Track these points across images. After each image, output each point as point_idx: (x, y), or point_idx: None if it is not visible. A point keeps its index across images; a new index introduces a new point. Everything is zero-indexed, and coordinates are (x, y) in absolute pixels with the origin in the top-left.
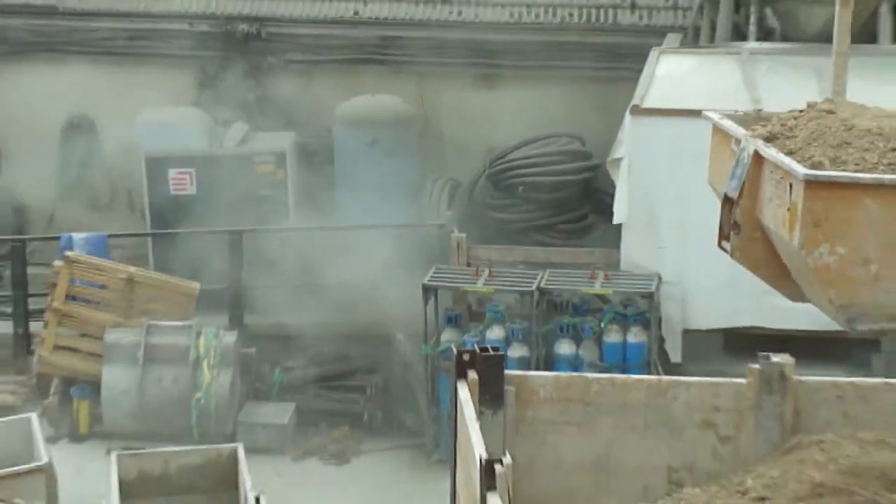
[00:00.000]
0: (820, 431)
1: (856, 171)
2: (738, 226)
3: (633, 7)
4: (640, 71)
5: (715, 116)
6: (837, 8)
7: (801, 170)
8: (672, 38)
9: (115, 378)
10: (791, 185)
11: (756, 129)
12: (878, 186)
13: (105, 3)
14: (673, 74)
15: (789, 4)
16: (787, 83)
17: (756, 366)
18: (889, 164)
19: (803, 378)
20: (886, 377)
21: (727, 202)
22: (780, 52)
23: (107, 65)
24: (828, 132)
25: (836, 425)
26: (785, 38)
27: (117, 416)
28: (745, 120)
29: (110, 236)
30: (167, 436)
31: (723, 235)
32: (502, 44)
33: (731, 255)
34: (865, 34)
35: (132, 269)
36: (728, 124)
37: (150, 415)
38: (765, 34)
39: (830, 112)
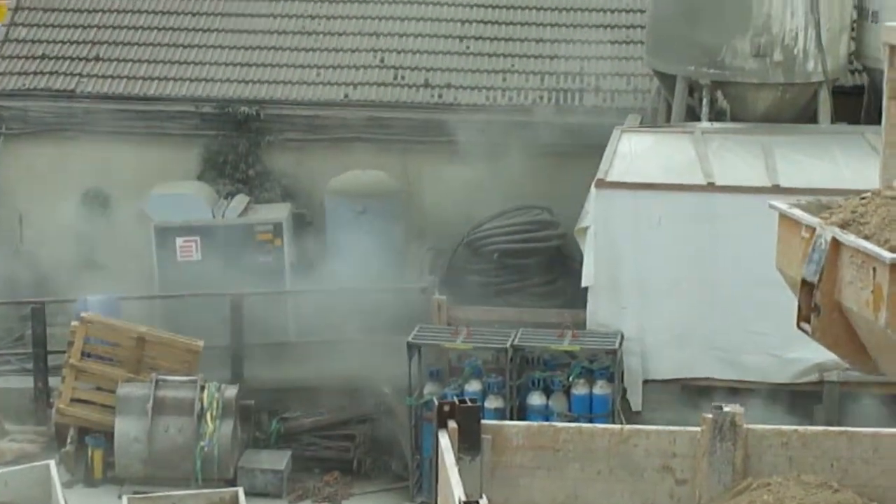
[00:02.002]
0: (768, 475)
1: None
2: (818, 308)
3: (596, 90)
4: (603, 147)
5: (783, 206)
6: (885, 102)
7: (886, 255)
8: (632, 118)
9: (127, 428)
10: (875, 269)
11: (826, 216)
12: None
13: (119, 87)
14: (633, 151)
15: (738, 88)
16: (736, 159)
17: (709, 415)
18: None
19: (752, 426)
20: (827, 425)
21: (805, 286)
22: (729, 131)
23: (120, 143)
24: None
25: (782, 469)
26: (734, 119)
27: (128, 462)
28: (808, 208)
29: (123, 299)
30: (174, 480)
31: (802, 317)
32: (479, 123)
33: (812, 335)
34: (807, 115)
35: (142, 328)
36: (798, 213)
37: (158, 461)
38: (716, 115)
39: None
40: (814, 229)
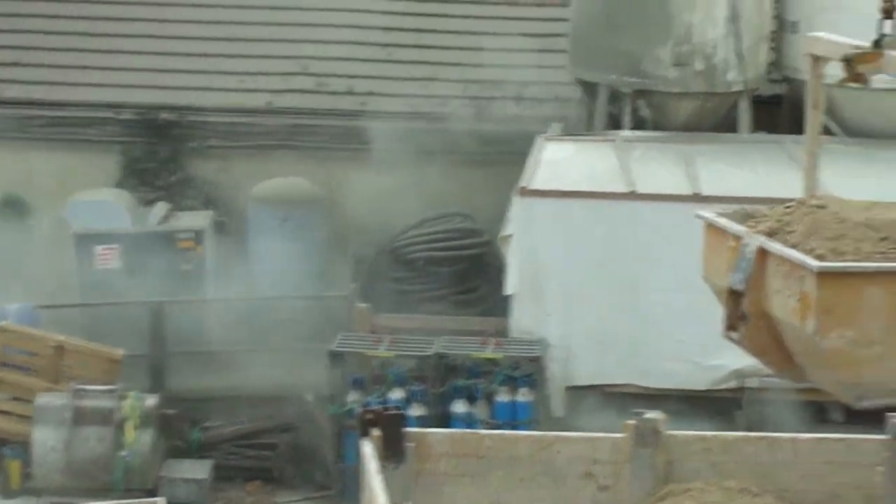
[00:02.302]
0: (689, 480)
1: (855, 261)
2: (746, 316)
3: (518, 99)
4: (525, 156)
5: (709, 215)
6: (808, 111)
7: (814, 263)
8: (555, 127)
9: (45, 438)
10: (802, 277)
11: (752, 225)
12: (880, 274)
13: (40, 92)
14: (556, 159)
15: (659, 97)
16: (658, 167)
17: (631, 421)
18: (882, 253)
19: (674, 432)
20: (748, 431)
21: (733, 295)
22: (651, 139)
23: (39, 149)
24: (823, 226)
25: (703, 474)
26: (656, 127)
27: (46, 473)
28: (733, 217)
29: (41, 307)
30: (93, 491)
31: (729, 326)
32: (402, 131)
33: (739, 344)
34: (727, 124)
35: (61, 337)
36: (724, 222)
37: (77, 472)
38: (638, 123)
39: (822, 207)
40: (740, 238)
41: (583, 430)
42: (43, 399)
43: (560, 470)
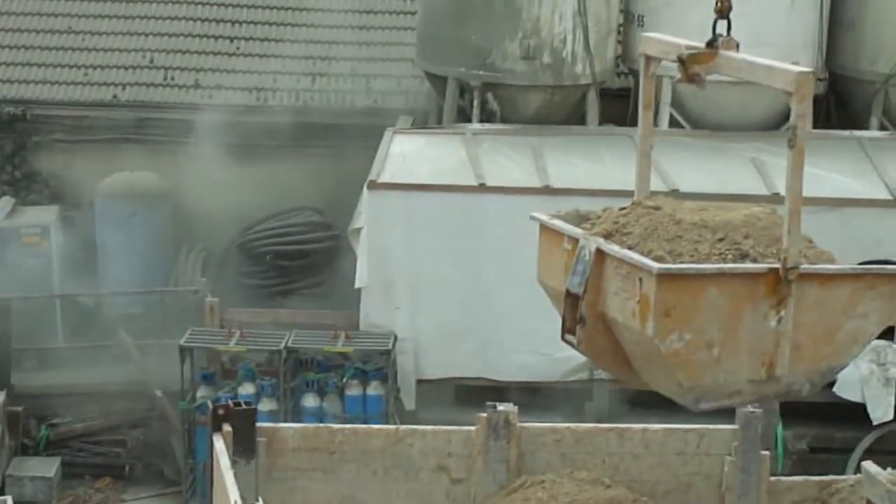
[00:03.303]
0: (542, 472)
1: (693, 262)
2: (583, 319)
3: (367, 92)
4: (375, 149)
5: (544, 217)
6: (641, 111)
7: (653, 264)
8: (404, 120)
9: None
10: (641, 279)
11: (588, 227)
12: (720, 275)
13: None
14: (405, 152)
15: (508, 90)
16: (506, 160)
17: (484, 414)
18: (720, 254)
19: (526, 424)
20: (598, 422)
21: (570, 298)
22: (500, 132)
23: None
24: (660, 227)
25: (555, 466)
26: (504, 120)
27: None
28: (568, 219)
29: None
30: None
31: (567, 329)
32: (252, 125)
33: (577, 347)
34: (576, 117)
35: None
36: (559, 224)
37: None
38: (487, 116)
39: (657, 208)
40: (577, 241)
41: (435, 424)
42: None
43: (413, 463)
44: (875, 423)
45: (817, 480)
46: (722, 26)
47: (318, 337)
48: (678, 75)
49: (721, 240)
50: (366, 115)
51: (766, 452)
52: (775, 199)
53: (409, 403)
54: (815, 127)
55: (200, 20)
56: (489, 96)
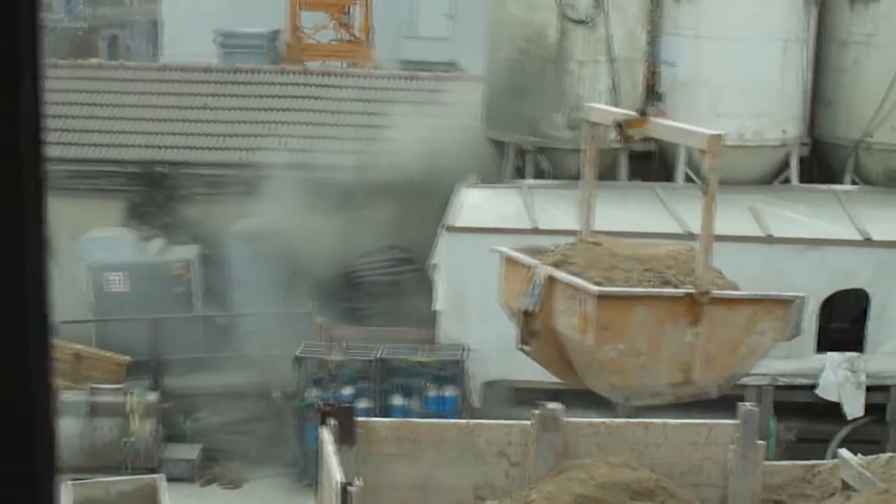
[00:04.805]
0: (582, 457)
1: (625, 287)
2: (536, 333)
3: (444, 154)
4: (449, 200)
5: (504, 249)
6: (584, 167)
7: (593, 288)
8: (473, 177)
9: (67, 427)
10: (584, 300)
11: (541, 258)
12: (647, 298)
13: (57, 151)
14: (474, 202)
15: (556, 153)
16: (554, 208)
17: (536, 411)
18: (647, 281)
19: (570, 419)
20: (628, 418)
21: (526, 315)
22: (549, 186)
23: (59, 197)
24: (599, 259)
25: (593, 453)
26: (553, 177)
27: (69, 455)
28: (526, 251)
29: (63, 323)
30: (107, 469)
31: (523, 340)
32: (350, 180)
33: (530, 356)
34: (610, 173)
35: (78, 346)
36: (518, 255)
37: (93, 454)
38: (539, 174)
39: (597, 244)
40: (532, 268)
41: (497, 419)
42: (65, 396)
43: (480, 450)
44: (849, 418)
45: (803, 464)
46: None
47: (404, 349)
48: (616, 137)
49: (648, 270)
50: (442, 172)
51: (762, 442)
52: (769, 239)
53: (477, 402)
54: (800, 182)
55: (310, 98)
56: (541, 158)
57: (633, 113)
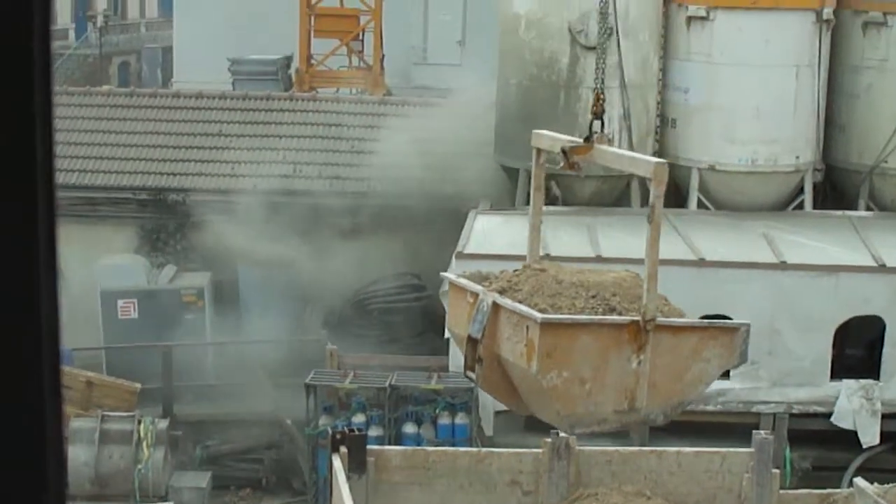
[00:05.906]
0: (595, 486)
1: (570, 314)
2: (481, 359)
3: (455, 181)
4: (461, 226)
5: (451, 276)
6: (533, 192)
7: (538, 315)
8: (484, 203)
9: (77, 455)
10: (528, 327)
11: (486, 284)
12: (591, 325)
13: (72, 178)
14: (485, 229)
15: (568, 180)
16: (566, 235)
17: (549, 440)
18: (592, 308)
19: (582, 447)
20: (641, 446)
21: (471, 341)
22: (561, 213)
23: (72, 223)
24: (544, 286)
25: (606, 481)
26: (565, 203)
27: (79, 483)
28: (472, 278)
29: (75, 350)
30: (116, 497)
31: (468, 367)
32: (362, 207)
33: (475, 382)
34: (622, 200)
35: (90, 374)
36: (464, 282)
37: (103, 482)
38: (551, 200)
39: (543, 270)
40: (477, 295)
41: (509, 447)
42: (76, 423)
43: (492, 478)
44: (864, 446)
45: (818, 493)
46: (596, 125)
47: (416, 377)
48: (562, 164)
49: (594, 296)
50: (454, 199)
51: (777, 470)
52: (783, 266)
53: (489, 430)
54: (814, 208)
55: (326, 125)
56: (552, 184)
57: (577, 140)
